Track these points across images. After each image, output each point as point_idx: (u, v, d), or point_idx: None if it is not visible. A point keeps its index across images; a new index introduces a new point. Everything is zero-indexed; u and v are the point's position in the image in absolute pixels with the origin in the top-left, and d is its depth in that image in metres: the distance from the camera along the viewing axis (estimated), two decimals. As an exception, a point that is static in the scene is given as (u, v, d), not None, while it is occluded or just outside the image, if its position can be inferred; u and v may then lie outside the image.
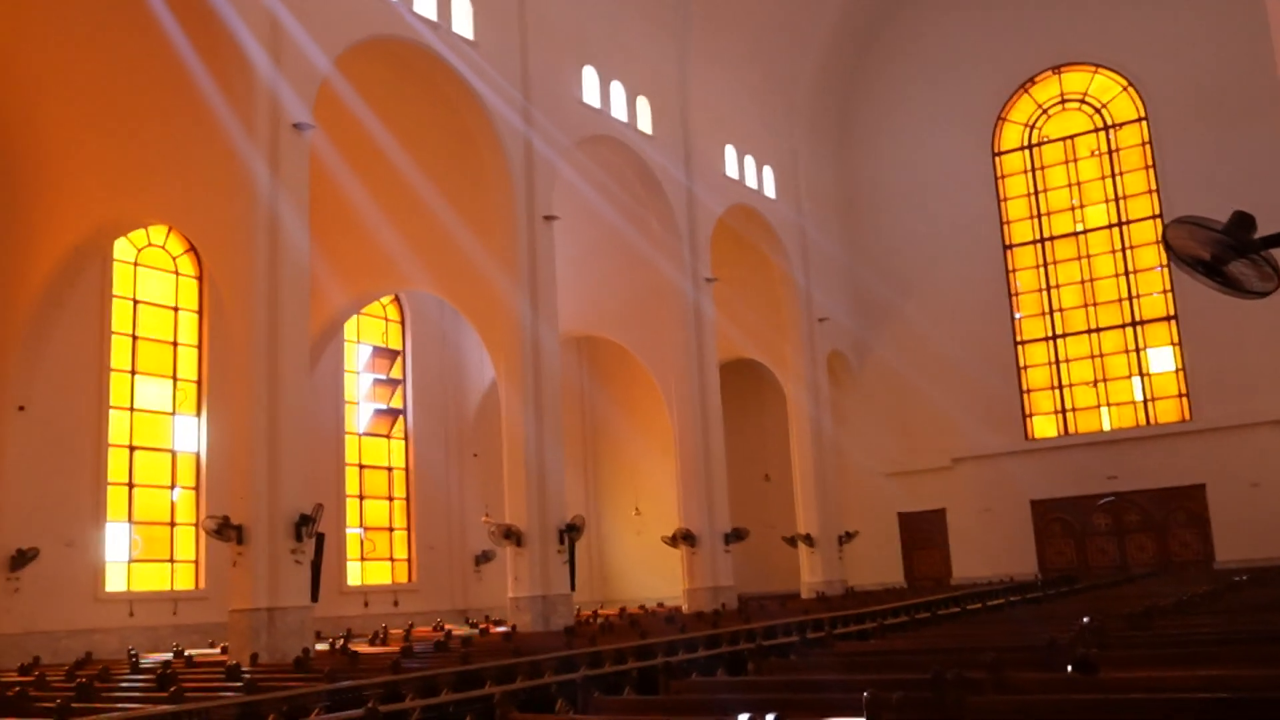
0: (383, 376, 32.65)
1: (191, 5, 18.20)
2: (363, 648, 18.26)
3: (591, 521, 33.21)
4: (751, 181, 33.68)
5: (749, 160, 33.69)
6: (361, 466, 31.20)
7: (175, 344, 26.48)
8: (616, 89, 27.89)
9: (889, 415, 37.94)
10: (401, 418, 32.71)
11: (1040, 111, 37.99)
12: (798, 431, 34.82)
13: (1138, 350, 35.71)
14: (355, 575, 30.19)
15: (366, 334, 32.44)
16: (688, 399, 29.18)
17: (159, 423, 25.89)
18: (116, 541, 24.49)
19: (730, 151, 32.73)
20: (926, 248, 38.31)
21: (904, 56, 39.49)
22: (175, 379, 26.32)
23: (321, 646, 18.63)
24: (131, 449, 25.14)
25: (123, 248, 25.42)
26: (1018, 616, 16.48)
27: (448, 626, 24.79)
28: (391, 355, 33.03)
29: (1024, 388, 36.96)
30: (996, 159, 38.35)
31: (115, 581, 24.30)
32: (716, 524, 28.87)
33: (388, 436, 32.35)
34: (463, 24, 23.20)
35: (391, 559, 31.58)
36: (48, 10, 20.28)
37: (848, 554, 35.36)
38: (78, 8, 20.05)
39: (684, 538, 28.34)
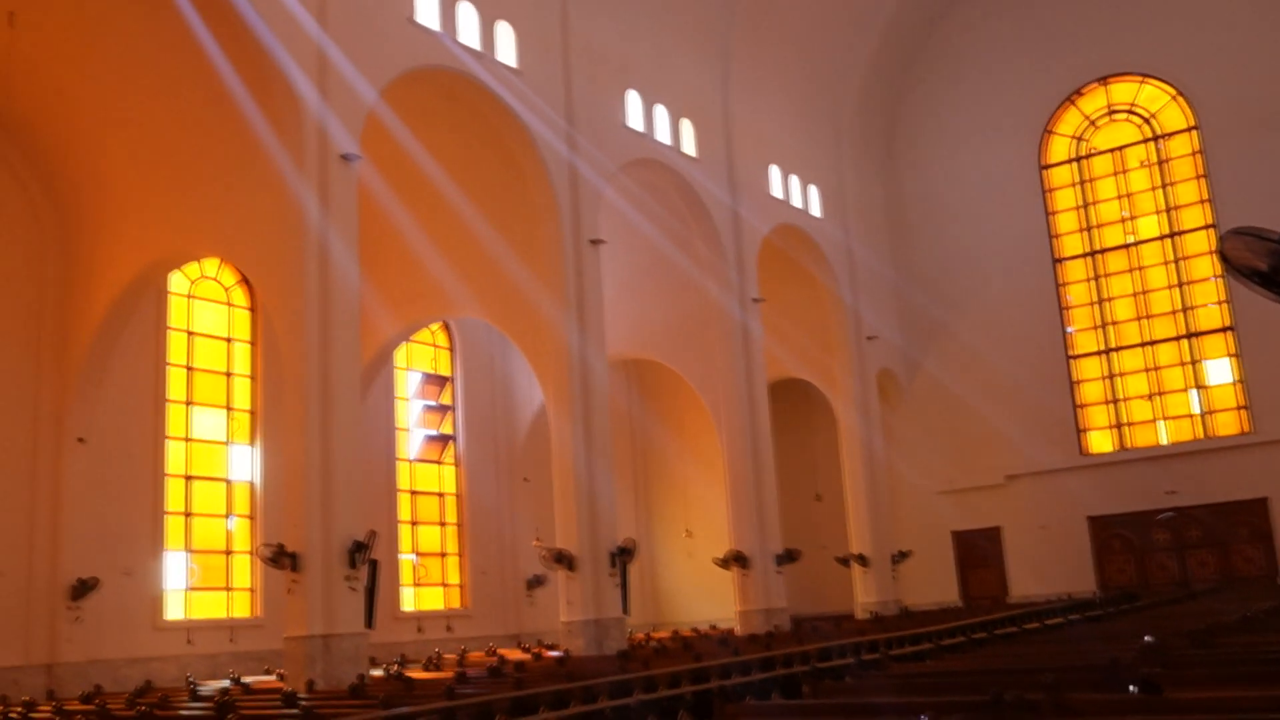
0: (433, 403, 32.87)
1: (240, 42, 18.52)
2: (417, 673, 18.34)
3: (643, 544, 33.14)
4: (797, 201, 33.62)
5: (794, 180, 33.65)
6: (413, 492, 31.39)
7: (229, 374, 26.83)
8: (660, 112, 28.01)
9: (940, 433, 37.57)
10: (452, 443, 32.89)
11: (1088, 123, 37.63)
12: (848, 450, 34.60)
13: (1194, 363, 35.14)
14: (409, 601, 30.34)
15: (416, 361, 32.69)
16: (737, 420, 29.10)
17: (214, 452, 26.23)
18: (174, 570, 24.80)
19: (775, 171, 32.71)
20: (975, 263, 38.01)
21: (948, 71, 39.31)
22: (230, 409, 26.66)
23: (376, 673, 18.73)
24: (188, 479, 25.47)
25: (177, 281, 25.84)
26: (1077, 635, 16.22)
27: (501, 651, 24.83)
28: (441, 381, 33.25)
29: (1078, 402, 36.48)
30: (1044, 172, 38.02)
31: (174, 610, 24.60)
32: (768, 545, 28.72)
33: (439, 462, 32.53)
34: (506, 53, 23.42)
35: (444, 584, 31.70)
36: (104, 52, 20.71)
37: (901, 573, 35.01)
38: (133, 50, 20.46)
39: (736, 559, 28.21)
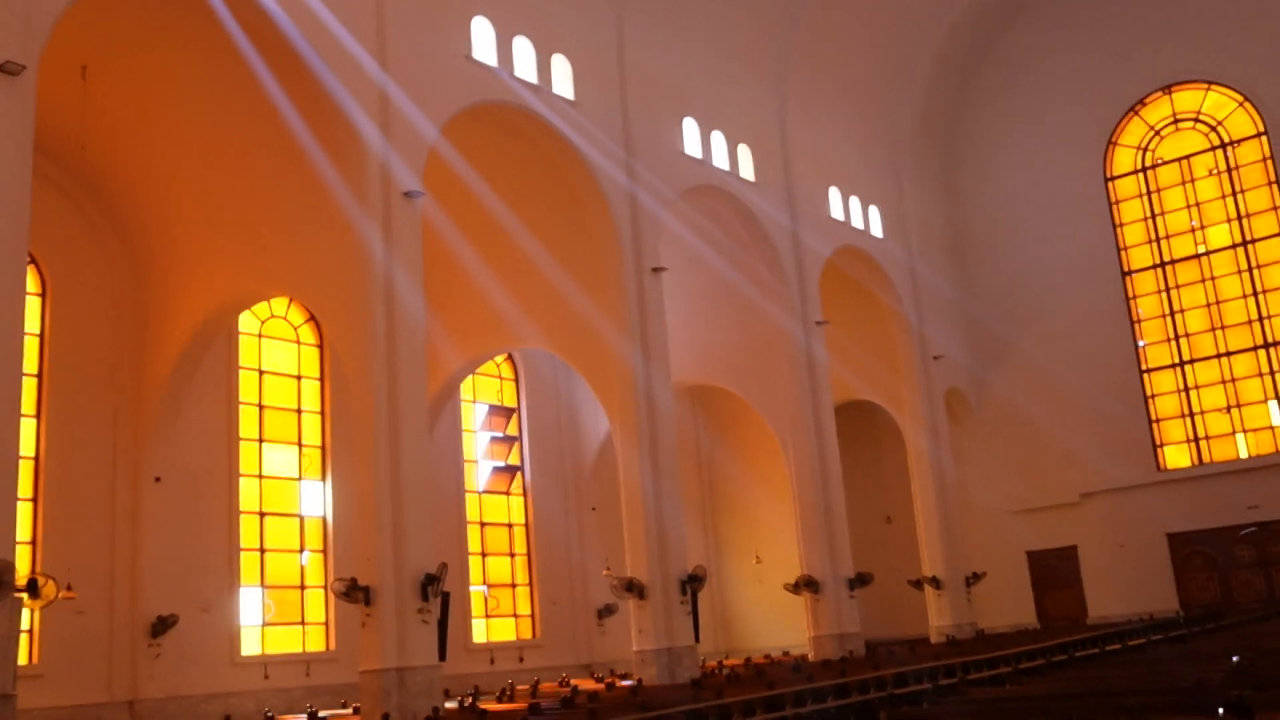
0: (500, 434, 33.05)
1: (304, 85, 18.88)
2: (491, 705, 18.38)
3: (712, 571, 32.98)
4: (858, 222, 33.45)
5: (854, 201, 33.50)
6: (483, 524, 31.54)
7: (299, 411, 27.21)
8: (717, 139, 28.05)
9: (1012, 451, 37.02)
10: (520, 474, 33.03)
11: (1152, 133, 37.08)
12: (918, 471, 34.23)
13: (1272, 373, 34.34)
14: (481, 632, 30.43)
15: (482, 393, 32.91)
16: (804, 444, 28.92)
17: (287, 488, 26.58)
18: (250, 606, 25.11)
19: (835, 193, 32.59)
20: (1041, 278, 37.54)
21: (1007, 87, 38.98)
22: (300, 445, 27.02)
23: (450, 705, 18.79)
24: (261, 515, 25.82)
25: (247, 321, 26.29)
26: (1160, 656, 15.85)
27: (574, 681, 24.80)
28: (507, 413, 33.43)
29: (1152, 417, 35.79)
30: (1109, 184, 37.50)
31: (250, 645, 24.88)
32: (839, 569, 28.45)
33: (507, 493, 32.68)
34: (563, 85, 23.63)
35: (515, 615, 31.77)
36: (173, 101, 21.22)
37: (976, 595, 34.47)
38: (201, 97, 20.93)
39: (806, 584, 27.97)
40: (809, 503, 28.61)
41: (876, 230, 34.37)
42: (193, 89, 20.86)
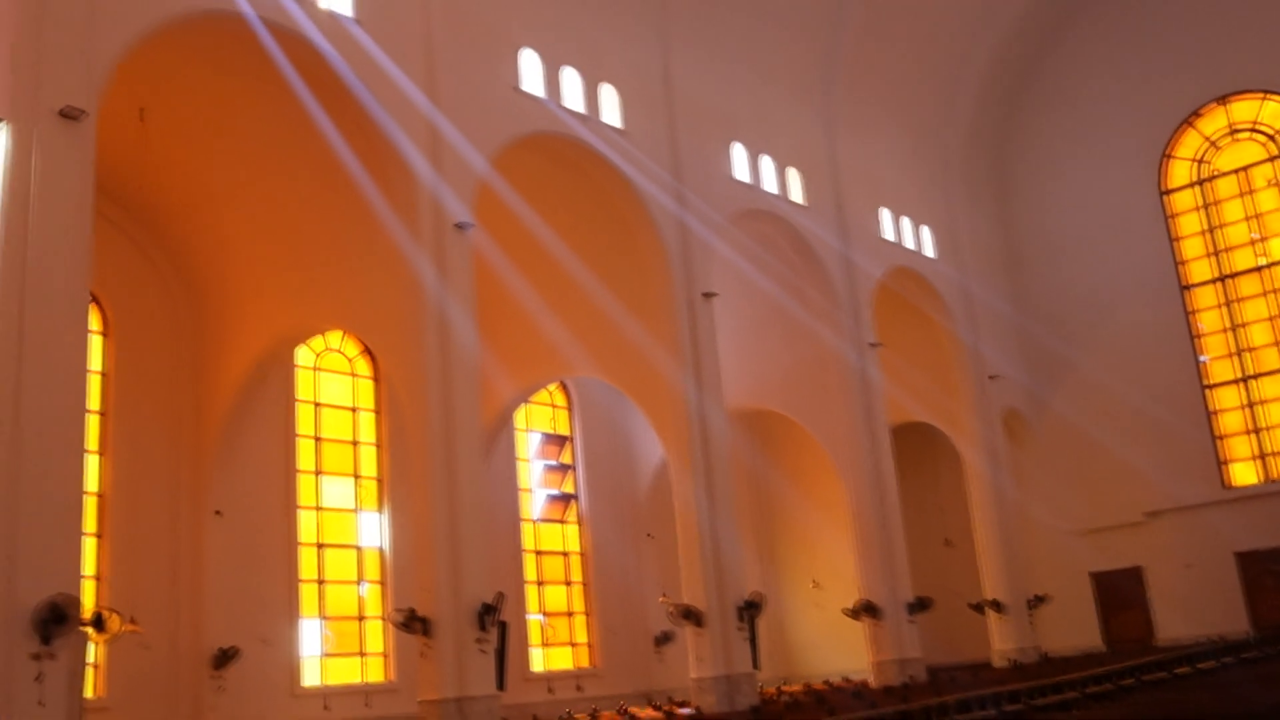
0: (554, 462, 33.11)
1: (356, 121, 19.16)
2: (550, 735, 18.34)
3: (770, 596, 32.67)
4: (909, 242, 33.26)
5: (905, 221, 33.32)
6: (538, 552, 31.55)
7: (356, 443, 27.44)
8: (766, 163, 28.05)
9: (1073, 471, 36.45)
10: (574, 502, 33.04)
11: (1209, 144, 36.54)
12: (977, 493, 33.82)
13: (1341, 386, 33.61)
14: (539, 661, 30.39)
15: (536, 421, 33.00)
16: (860, 467, 28.70)
17: (344, 520, 26.77)
18: (310, 637, 25.27)
19: (885, 214, 32.43)
20: (1098, 295, 37.05)
21: (1058, 101, 38.63)
22: (357, 477, 27.23)
23: (510, 735, 18.77)
24: (320, 547, 26.02)
25: (303, 354, 26.60)
26: (1232, 679, 15.50)
27: (632, 710, 24.69)
28: (561, 441, 33.50)
29: (1217, 434, 35.10)
30: (1165, 198, 36.97)
31: (310, 676, 25.02)
32: (898, 593, 28.14)
33: (562, 521, 32.70)
34: (611, 114, 23.78)
35: (573, 643, 31.72)
36: (228, 140, 21.59)
37: (1039, 618, 33.90)
38: (255, 135, 21.28)
39: (866, 609, 27.68)
40: (866, 526, 28.37)
41: (929, 250, 34.14)
42: (247, 127, 21.23)
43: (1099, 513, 35.69)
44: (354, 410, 27.70)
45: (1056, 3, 37.44)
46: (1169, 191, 36.99)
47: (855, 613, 27.91)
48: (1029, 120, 39.19)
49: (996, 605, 32.68)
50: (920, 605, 28.46)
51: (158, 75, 19.05)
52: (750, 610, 22.99)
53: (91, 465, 21.81)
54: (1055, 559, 35.90)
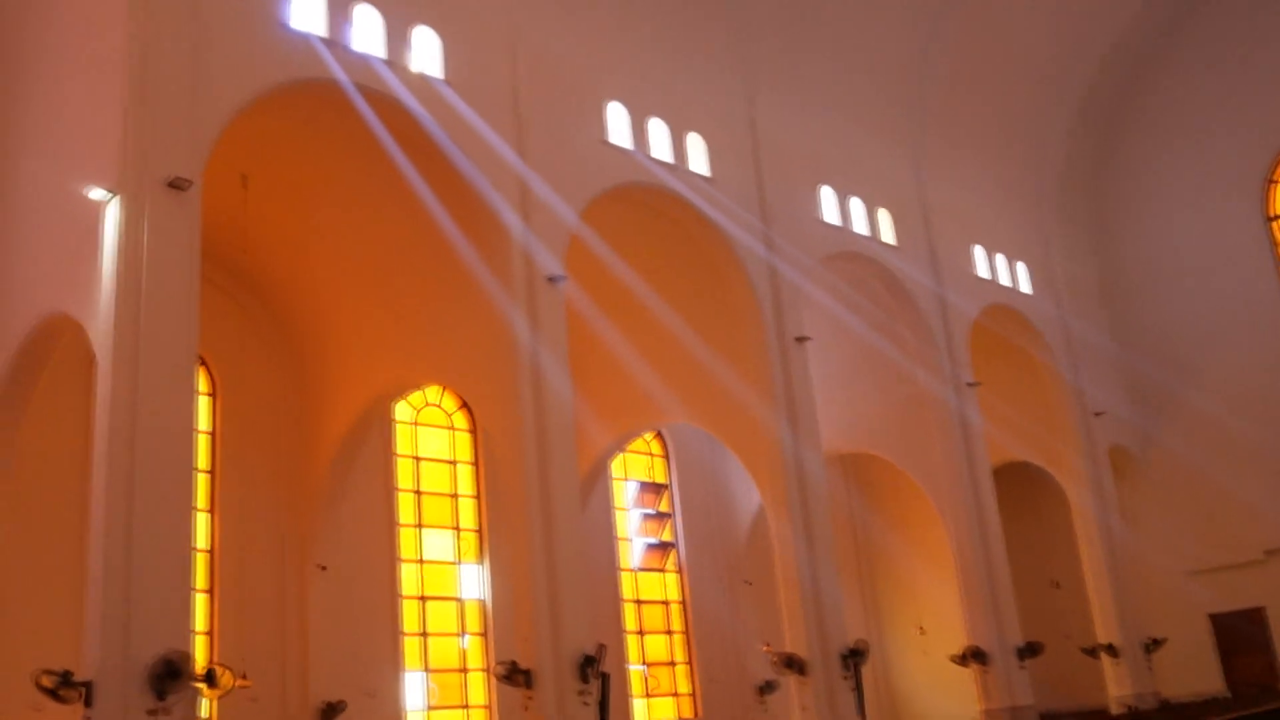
0: (651, 511, 33.05)
1: (448, 180, 19.55)
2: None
3: (874, 643, 32.08)
4: (1005, 279, 32.72)
5: (1000, 258, 32.80)
6: (638, 602, 31.44)
7: (455, 496, 27.71)
8: (855, 204, 27.92)
9: (1185, 508, 35.23)
10: (673, 550, 32.90)
11: (1315, 168, 35.47)
12: (1085, 533, 32.90)
13: None
14: (642, 712, 30.17)
15: (633, 470, 33.01)
16: (962, 509, 28.15)
17: (445, 572, 26.99)
18: (414, 690, 25.43)
19: (979, 251, 31.98)
20: (1204, 326, 35.96)
21: (1153, 129, 37.82)
22: (457, 529, 27.47)
23: (614, 788, 18.64)
24: (422, 599, 26.25)
25: (402, 409, 27.02)
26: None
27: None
28: (658, 489, 33.44)
29: (1340, 464, 33.71)
30: (1271, 224, 35.90)
31: (415, 729, 25.19)
32: (1007, 638, 27.41)
33: (661, 570, 32.56)
34: (698, 162, 23.91)
35: (675, 694, 31.44)
36: (326, 202, 22.19)
37: (1155, 662, 32.69)
38: (352, 197, 21.83)
39: (973, 655, 26.99)
40: (971, 569, 27.75)
41: (1025, 286, 33.55)
42: (344, 189, 21.79)
43: (1215, 551, 34.40)
44: (453, 463, 28.01)
45: (1149, 30, 36.74)
46: (1275, 217, 35.91)
47: (962, 659, 27.24)
48: (1124, 150, 38.42)
49: (1111, 649, 31.64)
50: (1030, 650, 27.68)
51: (257, 141, 19.66)
52: (854, 658, 22.59)
53: (200, 523, 22.35)
54: (1170, 600, 34.65)
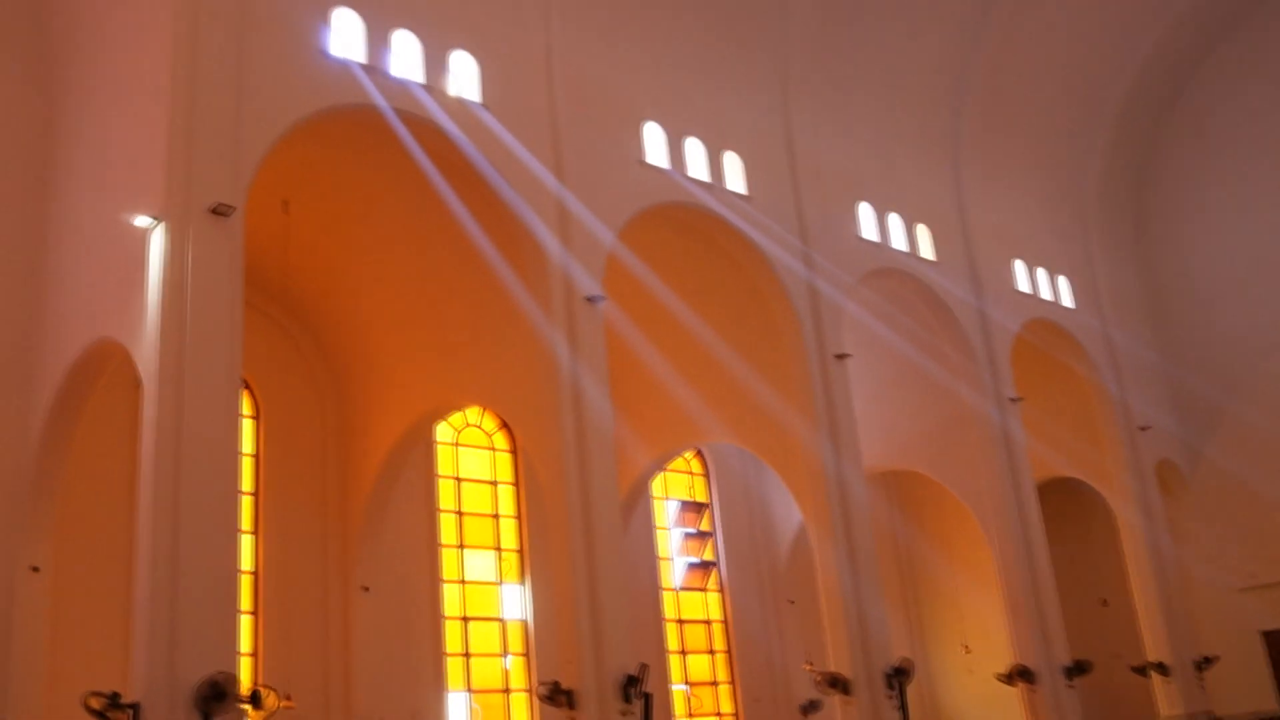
0: (693, 530, 32.98)
1: (487, 202, 19.71)
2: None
3: (918, 662, 31.81)
4: (1046, 293, 32.43)
5: (1041, 272, 32.52)
6: (680, 621, 31.36)
7: (496, 516, 27.80)
8: (894, 220, 27.81)
9: (1236, 523, 34.64)
10: (715, 569, 32.81)
11: (1362, 173, 34.93)
12: (1132, 550, 32.43)
13: None
14: (684, 732, 30.09)
15: (673, 489, 32.98)
16: (1006, 525, 27.85)
17: (487, 593, 27.05)
18: (457, 711, 25.47)
19: (1020, 266, 31.74)
20: (1251, 338, 35.43)
21: (1196, 140, 37.39)
22: (499, 549, 27.54)
23: (658, 809, 18.57)
24: (465, 620, 26.32)
25: (443, 430, 27.16)
26: None
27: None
28: (699, 508, 33.38)
29: (1394, 479, 33.08)
30: (1317, 235, 35.39)
31: (460, 750, 25.22)
32: (1054, 657, 27.05)
33: (703, 590, 32.47)
34: (735, 181, 23.93)
35: (718, 714, 31.30)
36: (367, 226, 22.42)
37: (1208, 680, 32.11)
38: (392, 221, 22.07)
39: (1020, 674, 26.65)
40: (1016, 587, 27.43)
41: (1067, 300, 33.23)
42: (384, 213, 22.01)
43: (1268, 567, 33.80)
44: (494, 484, 28.11)
45: (1189, 40, 36.38)
46: (1321, 228, 35.41)
47: (1009, 678, 26.90)
48: (1167, 161, 38.02)
49: (1161, 668, 31.13)
50: (1078, 669, 27.29)
51: (298, 167, 19.93)
52: (899, 677, 22.39)
53: (245, 544, 22.55)
54: (1221, 617, 34.08)
